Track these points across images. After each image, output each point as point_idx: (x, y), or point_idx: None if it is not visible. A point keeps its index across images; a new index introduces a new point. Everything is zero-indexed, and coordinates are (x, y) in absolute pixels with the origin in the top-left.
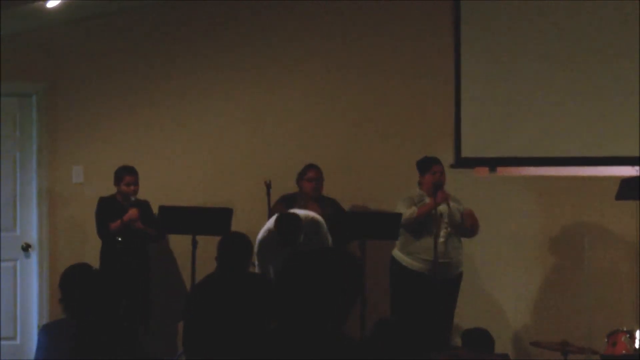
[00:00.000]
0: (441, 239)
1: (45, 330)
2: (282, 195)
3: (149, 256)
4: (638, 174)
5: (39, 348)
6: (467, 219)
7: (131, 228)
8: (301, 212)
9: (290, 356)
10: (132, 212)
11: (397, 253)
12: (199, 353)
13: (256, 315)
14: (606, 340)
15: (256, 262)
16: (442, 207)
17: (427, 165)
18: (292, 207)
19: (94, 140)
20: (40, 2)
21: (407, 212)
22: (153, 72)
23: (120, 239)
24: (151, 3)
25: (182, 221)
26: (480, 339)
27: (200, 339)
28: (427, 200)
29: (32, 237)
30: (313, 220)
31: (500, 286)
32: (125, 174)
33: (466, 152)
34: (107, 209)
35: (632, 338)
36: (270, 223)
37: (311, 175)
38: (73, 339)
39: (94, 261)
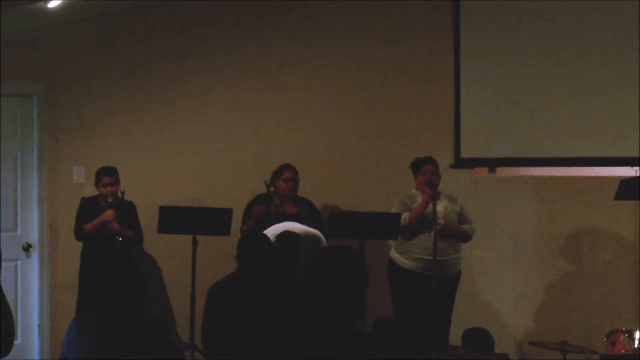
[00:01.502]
0: (433, 238)
1: (76, 322)
2: (257, 195)
3: (133, 258)
4: (637, 175)
5: (68, 341)
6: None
7: (107, 229)
8: (300, 228)
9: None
10: (108, 214)
11: (393, 253)
12: (221, 353)
13: (280, 315)
14: (605, 339)
15: None
16: (438, 208)
17: (417, 166)
18: (268, 205)
19: (94, 140)
20: (41, 3)
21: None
22: (154, 73)
23: (120, 239)
24: (151, 3)
25: (182, 221)
26: (480, 338)
27: (224, 339)
28: (419, 200)
29: (33, 237)
30: (314, 237)
31: (500, 286)
32: (103, 175)
33: (466, 153)
34: (87, 209)
35: (631, 338)
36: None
37: (287, 175)
38: (103, 331)
39: None
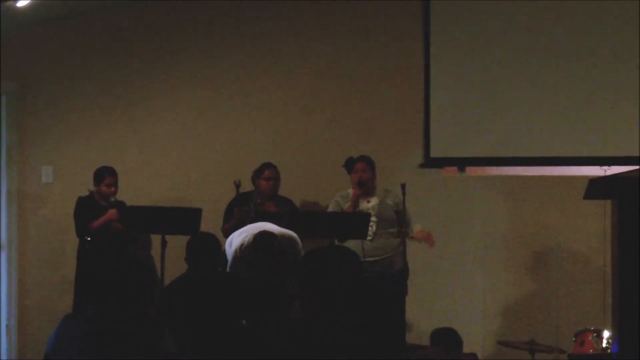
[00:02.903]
0: (368, 237)
1: (66, 320)
2: (237, 194)
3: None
4: (606, 174)
5: (54, 337)
6: (418, 238)
7: (110, 228)
8: (276, 229)
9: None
10: (112, 213)
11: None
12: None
13: (231, 314)
14: (574, 339)
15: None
16: (369, 205)
17: (349, 164)
18: (249, 205)
19: (63, 140)
20: (10, 2)
21: None
22: (123, 73)
23: (89, 239)
24: (122, 3)
25: (151, 221)
26: (448, 338)
27: (175, 340)
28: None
29: (2, 237)
30: (290, 238)
31: (469, 285)
32: (107, 175)
33: (435, 152)
34: (87, 209)
35: (600, 337)
36: (245, 237)
37: (268, 174)
38: (93, 331)
39: (65, 260)
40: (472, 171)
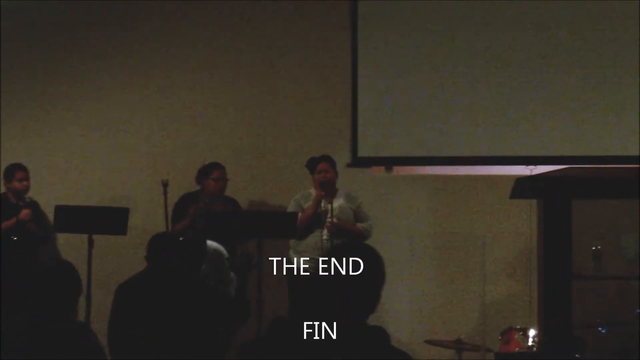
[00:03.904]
0: (324, 237)
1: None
2: (184, 194)
3: (39, 257)
4: (532, 174)
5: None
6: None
7: (24, 228)
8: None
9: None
10: (25, 213)
11: (290, 253)
12: (125, 353)
13: (189, 315)
14: (500, 338)
15: None
16: (330, 206)
17: (312, 165)
18: (199, 205)
19: None
20: None
21: None
22: (50, 69)
23: (15, 238)
24: (58, 3)
25: (78, 221)
26: (375, 336)
27: (129, 339)
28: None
29: None
30: (216, 251)
31: (396, 284)
32: (17, 170)
33: (363, 152)
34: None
35: (526, 336)
36: None
37: (217, 175)
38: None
39: None
40: (400, 171)
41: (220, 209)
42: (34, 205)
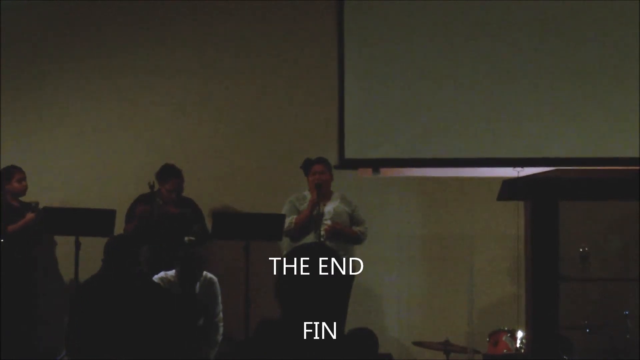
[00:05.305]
0: (323, 239)
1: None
2: (139, 195)
3: (35, 259)
4: (519, 175)
5: None
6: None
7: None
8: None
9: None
10: (30, 217)
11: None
12: (81, 353)
13: (144, 317)
14: (488, 339)
15: None
16: (326, 209)
17: (306, 166)
18: (152, 206)
19: None
20: None
21: (286, 222)
22: (36, 70)
23: (2, 240)
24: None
25: (65, 222)
26: (363, 338)
27: (85, 340)
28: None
29: None
30: (210, 281)
31: (384, 286)
32: (16, 170)
33: (350, 154)
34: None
35: (513, 337)
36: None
37: (170, 186)
38: None
39: None
40: (387, 172)
41: (175, 211)
42: (37, 209)
